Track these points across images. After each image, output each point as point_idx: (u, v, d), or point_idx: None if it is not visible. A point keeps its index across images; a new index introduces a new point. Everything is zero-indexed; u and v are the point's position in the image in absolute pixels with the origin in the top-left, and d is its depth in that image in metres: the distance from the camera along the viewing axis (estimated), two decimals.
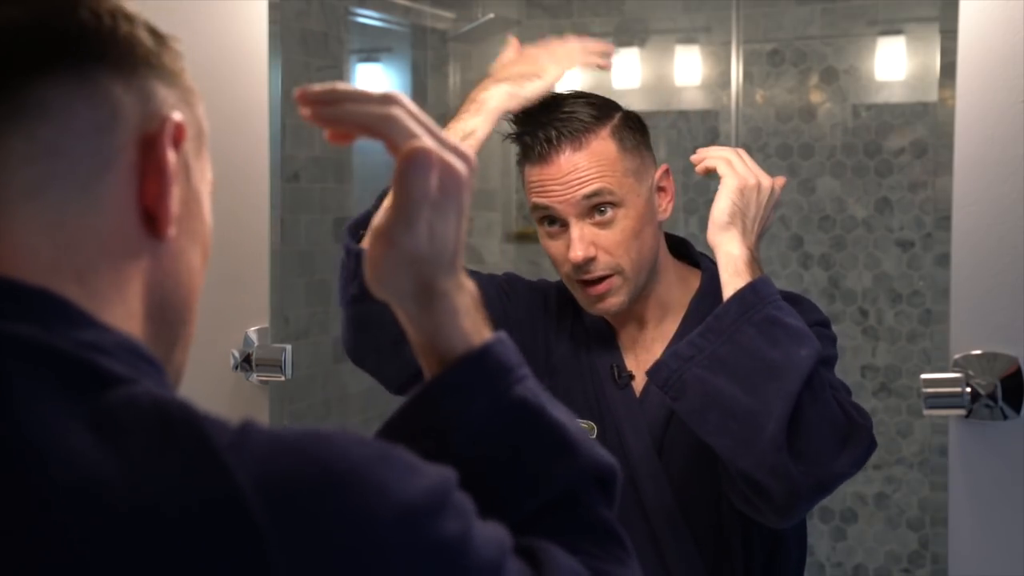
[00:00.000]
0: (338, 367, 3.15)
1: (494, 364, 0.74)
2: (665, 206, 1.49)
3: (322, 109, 0.72)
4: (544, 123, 1.42)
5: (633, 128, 1.46)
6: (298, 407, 3.07)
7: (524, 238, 3.63)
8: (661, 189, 1.49)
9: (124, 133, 0.68)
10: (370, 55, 3.53)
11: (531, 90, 1.46)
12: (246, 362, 1.70)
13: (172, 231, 0.70)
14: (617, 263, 1.42)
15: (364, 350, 1.48)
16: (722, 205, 1.38)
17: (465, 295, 0.76)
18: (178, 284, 0.72)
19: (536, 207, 1.44)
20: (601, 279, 1.42)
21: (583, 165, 1.40)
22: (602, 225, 1.41)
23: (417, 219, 0.72)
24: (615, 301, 1.44)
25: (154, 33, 0.72)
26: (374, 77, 3.54)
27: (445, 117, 1.48)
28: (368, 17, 3.52)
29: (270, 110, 1.71)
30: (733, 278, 1.36)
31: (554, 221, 1.43)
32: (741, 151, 1.44)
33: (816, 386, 1.32)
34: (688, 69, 3.59)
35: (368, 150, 3.73)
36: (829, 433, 1.32)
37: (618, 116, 1.46)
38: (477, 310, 0.77)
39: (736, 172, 1.40)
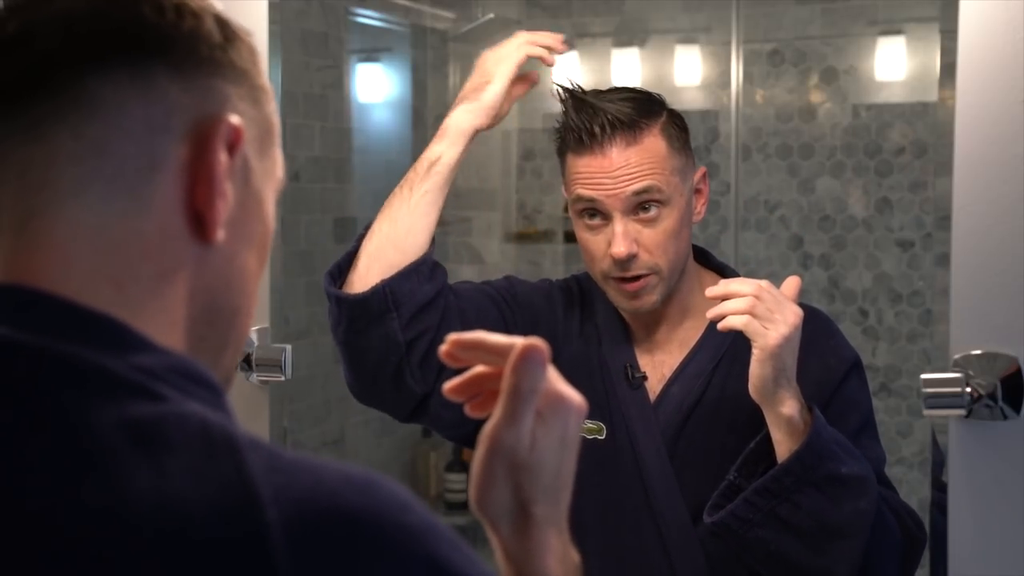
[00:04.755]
0: (338, 367, 3.13)
1: None
2: (700, 208, 1.49)
3: (460, 349, 0.75)
4: (596, 115, 1.40)
5: (679, 127, 1.47)
6: (298, 407, 3.07)
7: (524, 238, 3.63)
8: (698, 191, 1.49)
9: (178, 133, 0.65)
10: (370, 55, 3.53)
11: (488, 97, 1.44)
12: (246, 362, 1.70)
13: (220, 235, 0.66)
14: (655, 263, 1.41)
15: (364, 384, 1.49)
16: (763, 373, 1.29)
17: (565, 548, 0.75)
18: (229, 288, 0.69)
19: (580, 198, 1.42)
20: (637, 277, 1.42)
21: (635, 160, 1.39)
22: (645, 223, 1.40)
23: (521, 416, 0.71)
24: (650, 299, 1.43)
25: (224, 27, 0.68)
26: (374, 77, 3.54)
27: (445, 117, 1.48)
28: (368, 17, 3.52)
29: None
30: (787, 438, 1.31)
31: (595, 214, 1.42)
32: (759, 287, 1.30)
33: (877, 518, 1.33)
34: (688, 69, 3.59)
35: (368, 150, 3.74)
36: (895, 563, 1.36)
37: (666, 113, 1.46)
38: (576, 570, 0.76)
39: (765, 332, 1.28)
